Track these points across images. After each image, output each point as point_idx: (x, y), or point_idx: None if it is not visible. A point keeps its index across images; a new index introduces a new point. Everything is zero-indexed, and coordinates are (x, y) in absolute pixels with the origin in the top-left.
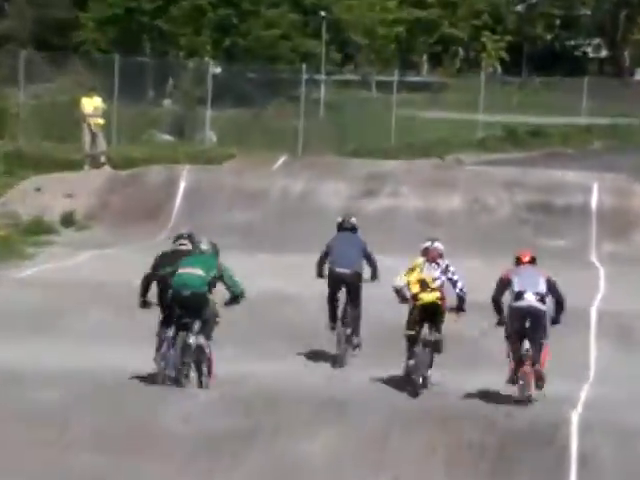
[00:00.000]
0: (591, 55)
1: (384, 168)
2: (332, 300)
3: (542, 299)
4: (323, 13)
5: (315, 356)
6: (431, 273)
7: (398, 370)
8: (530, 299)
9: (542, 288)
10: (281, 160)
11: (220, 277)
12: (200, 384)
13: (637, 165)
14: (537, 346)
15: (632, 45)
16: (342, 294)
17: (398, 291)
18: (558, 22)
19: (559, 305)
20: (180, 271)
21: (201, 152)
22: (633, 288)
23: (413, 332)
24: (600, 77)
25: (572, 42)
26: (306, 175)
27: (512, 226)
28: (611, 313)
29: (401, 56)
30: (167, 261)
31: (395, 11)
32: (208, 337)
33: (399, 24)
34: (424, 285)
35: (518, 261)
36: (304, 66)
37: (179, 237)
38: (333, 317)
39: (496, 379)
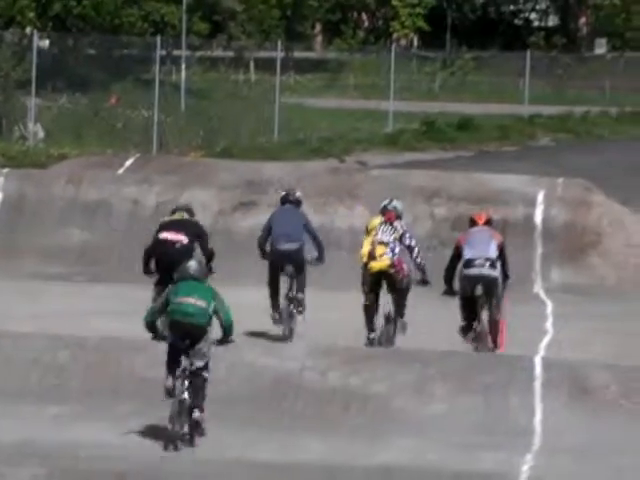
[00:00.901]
0: (536, 23)
1: (265, 173)
2: (274, 282)
3: (493, 264)
4: None
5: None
6: (383, 237)
7: None
8: (481, 267)
9: (493, 253)
10: (129, 162)
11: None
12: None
13: (596, 166)
14: (491, 315)
15: (590, 10)
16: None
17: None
18: None
19: (505, 276)
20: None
21: (23, 152)
22: (589, 328)
23: (367, 303)
24: (548, 52)
25: (511, 7)
26: (162, 182)
27: (432, 248)
28: (561, 362)
29: (287, 26)
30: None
31: None
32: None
33: None
34: (372, 252)
35: (472, 223)
36: (159, 39)
37: (176, 209)
38: (276, 304)
39: (412, 444)
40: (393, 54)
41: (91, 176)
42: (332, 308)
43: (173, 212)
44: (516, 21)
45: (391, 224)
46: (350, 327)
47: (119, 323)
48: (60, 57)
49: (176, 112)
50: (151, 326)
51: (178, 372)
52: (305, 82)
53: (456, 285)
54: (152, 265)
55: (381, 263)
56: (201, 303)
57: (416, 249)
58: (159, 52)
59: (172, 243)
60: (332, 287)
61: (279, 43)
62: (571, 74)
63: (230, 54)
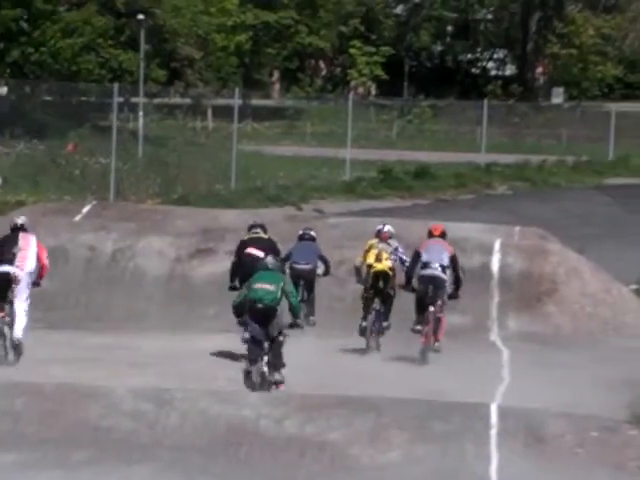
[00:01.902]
0: (493, 72)
1: (222, 220)
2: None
3: (444, 270)
4: (141, 16)
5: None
6: (386, 249)
7: None
8: (434, 269)
9: (445, 262)
10: (86, 209)
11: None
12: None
13: (552, 215)
14: (436, 312)
15: (547, 60)
16: None
17: (358, 269)
18: (450, 29)
19: (457, 281)
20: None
21: None
22: (545, 376)
23: (367, 295)
24: (505, 101)
25: (468, 55)
26: (119, 229)
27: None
28: (517, 411)
29: (245, 73)
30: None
31: (237, 14)
32: None
33: (242, 31)
34: (379, 257)
35: (430, 234)
36: (116, 86)
37: (253, 226)
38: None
39: None
40: (350, 102)
41: (48, 223)
42: (287, 355)
43: (250, 229)
44: (473, 70)
45: (386, 242)
46: (305, 374)
47: (76, 370)
48: (18, 104)
49: (133, 159)
50: (238, 309)
51: (258, 351)
52: (263, 130)
53: (415, 283)
54: (237, 282)
55: (384, 265)
56: (272, 287)
57: (406, 261)
58: (117, 99)
59: (256, 258)
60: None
61: (237, 90)
62: (528, 123)
63: (188, 101)
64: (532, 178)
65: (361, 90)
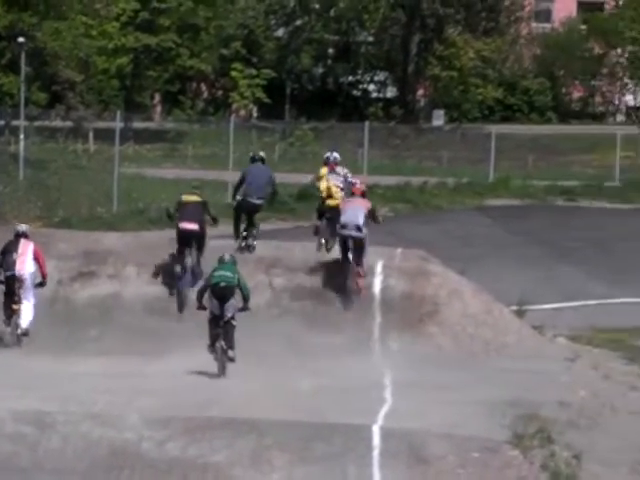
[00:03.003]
0: (374, 95)
1: (104, 243)
2: (238, 219)
3: (359, 229)
4: (22, 39)
5: None
6: (335, 182)
7: None
8: (350, 229)
9: (360, 221)
10: None
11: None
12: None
13: (433, 236)
14: (359, 257)
15: (428, 82)
16: None
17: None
18: (331, 51)
19: (374, 220)
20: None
21: None
22: (427, 397)
23: (320, 225)
24: (386, 123)
25: (349, 78)
26: None
27: (272, 318)
28: (399, 432)
29: (126, 96)
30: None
31: (118, 37)
32: None
33: (123, 54)
34: (329, 194)
35: (352, 193)
36: None
37: (193, 187)
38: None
39: None
40: (232, 125)
41: None
42: (169, 377)
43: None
44: (355, 92)
45: (335, 171)
46: (188, 396)
47: None
48: None
49: (14, 182)
50: (199, 295)
51: (217, 331)
52: (144, 152)
53: None
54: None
55: (335, 201)
56: (230, 274)
57: (356, 183)
58: None
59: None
60: (169, 356)
61: (118, 113)
62: (409, 145)
63: (69, 124)
64: (413, 200)
65: (243, 113)
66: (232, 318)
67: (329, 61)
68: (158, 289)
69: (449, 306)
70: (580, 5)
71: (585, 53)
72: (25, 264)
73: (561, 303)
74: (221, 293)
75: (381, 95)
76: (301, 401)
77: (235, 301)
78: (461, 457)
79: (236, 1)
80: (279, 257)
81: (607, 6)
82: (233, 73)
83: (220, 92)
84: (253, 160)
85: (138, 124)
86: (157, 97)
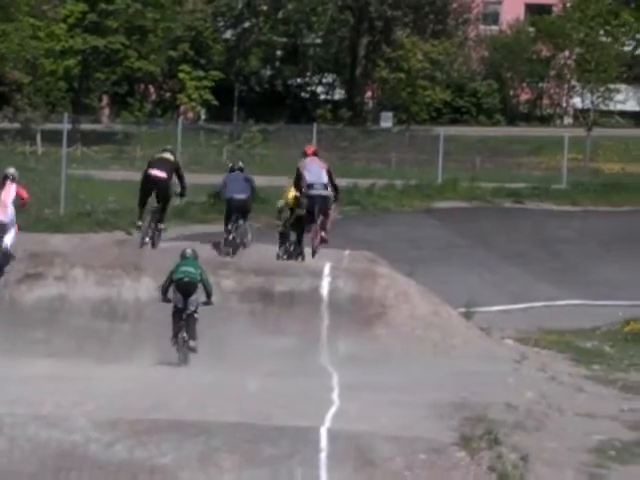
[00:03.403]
0: (323, 97)
1: (51, 244)
2: (228, 218)
3: (326, 187)
4: None
5: None
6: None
7: None
8: (319, 189)
9: (325, 179)
10: None
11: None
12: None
13: (381, 238)
14: (324, 217)
15: (376, 84)
16: None
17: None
18: (279, 53)
19: (336, 190)
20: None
21: None
22: (375, 399)
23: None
24: (334, 125)
25: (297, 80)
26: None
27: (221, 319)
28: (346, 434)
29: (74, 98)
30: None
31: (65, 39)
32: None
33: (71, 56)
34: (297, 204)
35: (305, 154)
36: None
37: (164, 149)
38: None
39: None
40: (180, 127)
41: None
42: (117, 380)
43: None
44: (303, 94)
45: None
46: (135, 398)
47: None
48: None
49: None
50: (163, 289)
51: (180, 323)
52: (92, 154)
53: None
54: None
55: (302, 211)
56: (193, 270)
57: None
58: None
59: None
60: (116, 359)
61: (66, 115)
62: (357, 147)
63: (16, 126)
64: (361, 202)
65: (191, 115)
66: (194, 311)
67: (277, 63)
68: (105, 291)
69: (397, 308)
70: (528, 8)
71: (533, 55)
72: (7, 209)
73: (508, 305)
74: (185, 288)
75: (329, 97)
76: (249, 403)
77: (197, 295)
78: (408, 459)
79: (184, 3)
80: (229, 260)
81: (555, 9)
82: (181, 75)
83: (168, 94)
84: (232, 170)
85: (86, 126)
86: (105, 99)
